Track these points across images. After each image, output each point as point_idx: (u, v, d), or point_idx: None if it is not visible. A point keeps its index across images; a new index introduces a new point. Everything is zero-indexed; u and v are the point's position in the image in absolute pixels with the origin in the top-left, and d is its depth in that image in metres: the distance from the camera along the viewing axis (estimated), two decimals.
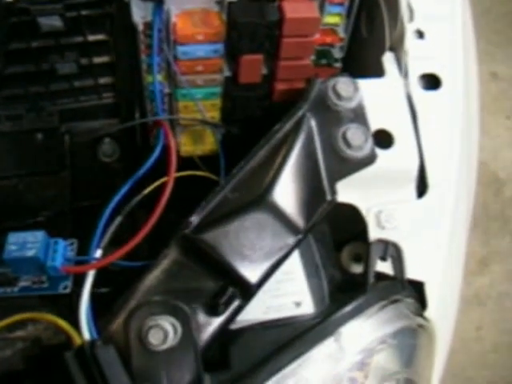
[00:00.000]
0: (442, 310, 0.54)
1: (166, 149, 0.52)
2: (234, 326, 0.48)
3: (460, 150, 0.56)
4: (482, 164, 1.57)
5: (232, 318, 0.46)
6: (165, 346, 0.44)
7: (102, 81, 0.66)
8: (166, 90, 0.58)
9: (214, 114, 0.59)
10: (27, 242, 0.45)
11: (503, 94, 1.59)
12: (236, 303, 0.46)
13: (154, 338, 0.44)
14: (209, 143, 0.61)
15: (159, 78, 0.56)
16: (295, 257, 0.51)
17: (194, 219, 0.46)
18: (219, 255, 0.46)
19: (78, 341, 0.44)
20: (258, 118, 0.58)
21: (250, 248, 0.46)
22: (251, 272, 0.46)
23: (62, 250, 0.46)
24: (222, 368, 0.47)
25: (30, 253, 0.45)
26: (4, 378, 0.57)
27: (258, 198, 0.47)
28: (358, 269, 0.55)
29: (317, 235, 0.53)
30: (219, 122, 0.59)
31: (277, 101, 0.58)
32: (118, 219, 0.49)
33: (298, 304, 0.49)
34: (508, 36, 1.65)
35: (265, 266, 0.46)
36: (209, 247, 0.46)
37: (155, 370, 0.45)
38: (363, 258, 0.54)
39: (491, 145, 1.53)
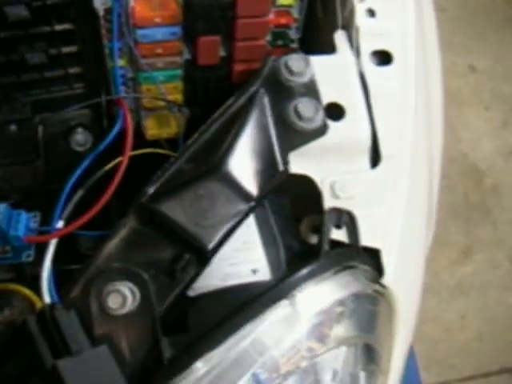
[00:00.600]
0: (400, 278, 0.56)
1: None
2: (192, 293, 0.50)
3: (414, 123, 0.57)
4: (462, 155, 1.60)
5: (189, 283, 0.48)
6: (124, 311, 0.46)
7: (72, 70, 0.68)
8: (129, 75, 0.60)
9: (176, 97, 0.61)
10: None
11: (481, 86, 1.61)
12: (193, 269, 0.48)
13: (113, 303, 0.46)
14: (174, 126, 0.63)
15: (121, 62, 0.58)
16: (252, 227, 0.53)
17: (150, 189, 0.48)
18: (174, 223, 0.48)
19: (39, 306, 0.45)
20: (219, 99, 0.60)
21: (205, 215, 0.48)
22: (206, 238, 0.48)
23: (25, 221, 0.48)
24: (181, 332, 0.48)
25: None
26: None
27: (212, 167, 0.49)
28: (315, 240, 0.56)
29: (275, 207, 0.54)
30: (181, 103, 0.61)
31: (236, 82, 0.61)
32: (80, 192, 0.51)
33: (254, 271, 0.51)
34: (484, 29, 1.68)
35: (219, 231, 0.48)
36: (164, 216, 0.48)
37: (114, 334, 0.46)
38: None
39: (471, 136, 1.55)
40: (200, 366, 0.46)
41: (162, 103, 0.60)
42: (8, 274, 0.54)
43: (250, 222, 0.52)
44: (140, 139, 0.62)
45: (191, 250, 0.48)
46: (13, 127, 0.70)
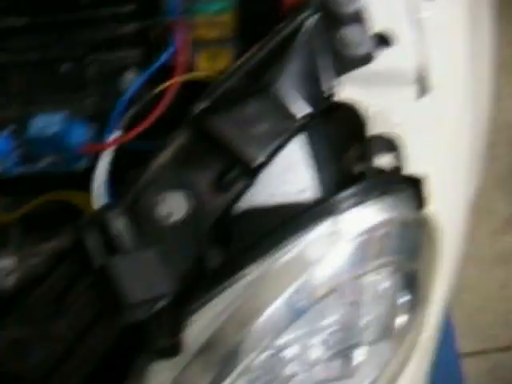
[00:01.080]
0: (442, 209, 0.56)
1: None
2: (239, 210, 0.51)
3: (465, 58, 0.58)
4: (508, 125, 1.57)
5: (238, 196, 0.50)
6: (172, 221, 0.48)
7: (126, 9, 0.68)
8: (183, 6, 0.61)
9: (227, 30, 0.62)
10: (49, 122, 0.49)
11: None
12: (241, 181, 0.49)
13: (162, 212, 0.47)
14: (224, 61, 0.63)
15: None
16: (301, 149, 0.54)
17: (202, 104, 0.49)
18: (224, 138, 0.49)
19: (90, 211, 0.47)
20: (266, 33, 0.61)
21: (253, 132, 0.50)
22: (254, 153, 0.49)
23: (81, 131, 0.49)
24: (223, 245, 0.49)
25: (53, 130, 0.49)
26: (30, 283, 0.62)
27: (262, 87, 0.50)
28: (360, 169, 0.57)
29: (322, 135, 0.55)
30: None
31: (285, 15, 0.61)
32: (132, 110, 0.52)
33: (301, 191, 0.52)
34: None
35: (266, 148, 0.49)
36: (214, 131, 0.49)
37: (162, 243, 0.48)
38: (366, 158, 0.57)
39: None
40: (243, 276, 0.47)
41: (213, 36, 0.61)
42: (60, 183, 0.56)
43: (299, 144, 0.53)
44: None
45: (240, 164, 0.48)
46: (65, 66, 0.71)
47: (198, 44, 0.64)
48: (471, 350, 1.35)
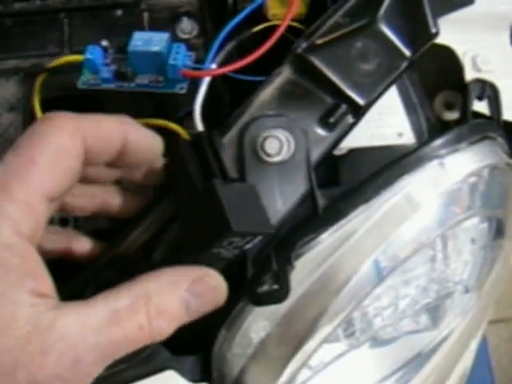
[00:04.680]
0: None
1: None
2: (339, 152, 0.49)
3: None
4: None
5: (343, 135, 0.48)
6: (278, 158, 0.46)
7: None
8: None
9: None
10: (152, 40, 0.46)
11: None
12: (347, 120, 0.47)
13: (269, 148, 0.45)
14: (297, 6, 0.61)
15: None
16: (395, 93, 0.52)
17: (307, 40, 0.47)
18: (332, 75, 0.47)
19: (186, 136, 0.46)
20: None
21: (360, 70, 0.48)
22: (361, 92, 0.47)
23: (184, 54, 0.47)
24: (330, 185, 0.47)
25: (155, 48, 0.47)
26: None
27: (368, 24, 0.48)
28: (450, 116, 0.55)
29: (414, 77, 0.53)
30: None
31: None
32: (232, 43, 0.50)
33: (400, 134, 0.50)
34: None
35: (374, 87, 0.48)
36: (321, 67, 0.47)
37: (268, 181, 0.46)
38: (456, 105, 0.55)
39: None
40: (353, 217, 0.45)
41: None
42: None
43: (392, 88, 0.50)
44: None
45: (347, 102, 0.47)
46: (119, 12, 0.69)
47: None
48: (492, 318, 1.35)
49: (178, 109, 0.51)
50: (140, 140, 0.42)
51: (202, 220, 0.40)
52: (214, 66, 0.48)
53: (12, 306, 0.33)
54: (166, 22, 0.69)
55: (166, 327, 0.37)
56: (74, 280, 0.46)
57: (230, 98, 0.58)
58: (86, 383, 0.34)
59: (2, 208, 0.35)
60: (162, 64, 0.47)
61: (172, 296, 0.38)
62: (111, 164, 0.42)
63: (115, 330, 0.34)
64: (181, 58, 0.46)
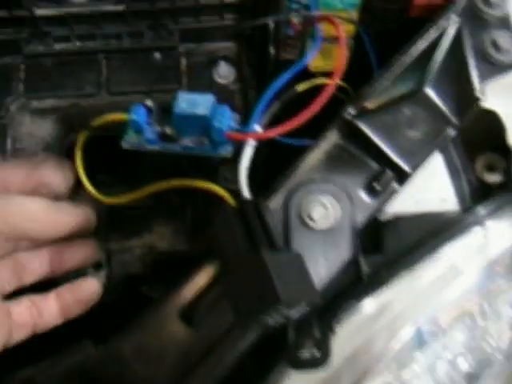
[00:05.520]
0: None
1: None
2: (384, 217, 0.49)
3: None
4: None
5: (386, 201, 0.47)
6: (324, 225, 0.46)
7: (228, 0, 0.66)
8: (304, 1, 0.58)
9: (349, 28, 0.59)
10: (197, 102, 0.46)
11: None
12: (392, 186, 0.47)
13: (316, 215, 0.45)
14: (338, 61, 0.61)
15: None
16: (439, 156, 0.52)
17: (353, 106, 0.47)
18: (378, 141, 0.47)
19: (231, 202, 0.46)
20: (392, 33, 0.59)
21: (406, 136, 0.48)
22: (408, 159, 0.48)
23: (229, 116, 0.47)
24: (374, 252, 0.47)
25: (201, 111, 0.46)
26: (123, 280, 0.61)
27: (414, 91, 0.48)
28: (492, 179, 0.55)
29: (457, 140, 0.53)
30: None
31: (413, 15, 0.59)
32: (277, 104, 0.50)
33: (443, 200, 0.50)
34: None
35: (422, 153, 0.48)
36: (368, 133, 0.47)
37: (313, 247, 0.47)
38: (498, 168, 0.55)
39: None
40: (397, 284, 0.45)
41: (332, 33, 0.58)
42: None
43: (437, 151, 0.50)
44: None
45: (392, 169, 0.47)
46: (157, 55, 0.69)
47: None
48: None
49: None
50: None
51: (249, 289, 0.40)
52: (258, 127, 0.48)
53: None
54: (203, 66, 0.71)
55: None
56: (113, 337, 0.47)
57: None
58: None
59: None
60: (206, 126, 0.46)
61: None
62: None
63: None
64: (225, 120, 0.46)
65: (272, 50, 0.63)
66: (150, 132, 0.49)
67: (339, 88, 0.52)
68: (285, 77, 0.49)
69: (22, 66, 0.69)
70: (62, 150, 0.63)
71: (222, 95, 0.67)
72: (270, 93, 0.48)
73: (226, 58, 0.71)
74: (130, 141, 0.48)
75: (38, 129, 0.64)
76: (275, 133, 0.46)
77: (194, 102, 0.47)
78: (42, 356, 0.48)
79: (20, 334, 0.45)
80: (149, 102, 0.47)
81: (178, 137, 0.48)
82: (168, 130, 0.47)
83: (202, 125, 0.47)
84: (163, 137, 0.47)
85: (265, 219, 0.43)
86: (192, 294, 0.46)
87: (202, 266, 0.47)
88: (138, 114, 0.48)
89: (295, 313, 0.42)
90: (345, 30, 0.58)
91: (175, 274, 0.62)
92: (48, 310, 0.47)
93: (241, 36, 0.70)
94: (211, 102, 0.47)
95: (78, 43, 0.69)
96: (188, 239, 0.63)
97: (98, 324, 0.54)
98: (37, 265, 0.48)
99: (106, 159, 0.53)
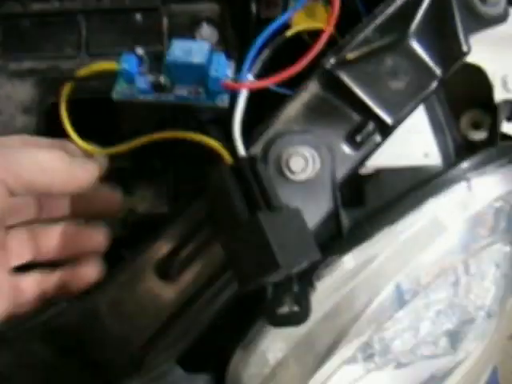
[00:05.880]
0: None
1: None
2: (365, 171, 0.48)
3: None
4: None
5: (369, 154, 0.47)
6: (303, 176, 0.44)
7: None
8: None
9: None
10: (192, 50, 0.44)
11: None
12: (374, 139, 0.46)
13: (295, 166, 0.44)
14: (321, 20, 0.60)
15: None
16: (422, 111, 0.50)
17: (336, 55, 0.46)
18: (361, 92, 0.46)
19: (227, 157, 0.43)
20: None
21: (389, 88, 0.47)
22: (390, 111, 0.46)
23: (225, 65, 0.45)
24: (355, 205, 0.46)
25: (196, 59, 0.44)
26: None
27: (398, 40, 0.47)
28: (476, 136, 0.54)
29: (441, 96, 0.52)
30: None
31: None
32: (267, 51, 0.48)
33: (426, 155, 0.49)
34: None
35: (403, 106, 0.46)
36: (349, 83, 0.46)
37: (292, 199, 0.45)
38: (483, 125, 0.54)
39: None
40: (378, 239, 0.44)
41: None
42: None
43: (424, 104, 0.49)
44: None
45: (375, 120, 0.46)
46: (138, 16, 0.68)
47: None
48: None
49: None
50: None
51: (248, 252, 0.40)
52: (250, 77, 0.46)
53: None
54: (185, 27, 0.68)
55: None
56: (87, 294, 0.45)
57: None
58: None
59: None
60: (202, 75, 0.45)
61: None
62: None
63: None
64: (222, 69, 0.44)
65: (253, 9, 0.60)
66: (143, 81, 0.47)
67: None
68: (273, 25, 0.47)
69: None
70: (41, 114, 0.62)
71: None
72: (260, 40, 0.47)
73: (208, 20, 0.68)
74: (121, 91, 0.47)
75: (16, 91, 0.63)
76: (272, 81, 0.45)
77: (188, 50, 0.45)
78: None
79: (26, 307, 0.43)
80: (139, 50, 0.45)
81: (171, 86, 0.46)
82: (162, 79, 0.44)
83: (197, 74, 0.45)
84: (156, 87, 0.45)
85: (261, 177, 0.42)
86: (167, 248, 0.44)
87: (176, 220, 0.45)
88: (129, 63, 0.46)
89: (295, 271, 0.41)
90: None
91: None
92: (53, 287, 0.46)
93: None
94: (207, 49, 0.44)
95: (56, 3, 0.68)
96: (169, 202, 0.62)
97: None
98: (54, 241, 0.46)
99: (89, 123, 0.51)
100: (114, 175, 0.60)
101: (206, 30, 0.68)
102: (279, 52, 0.51)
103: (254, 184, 0.42)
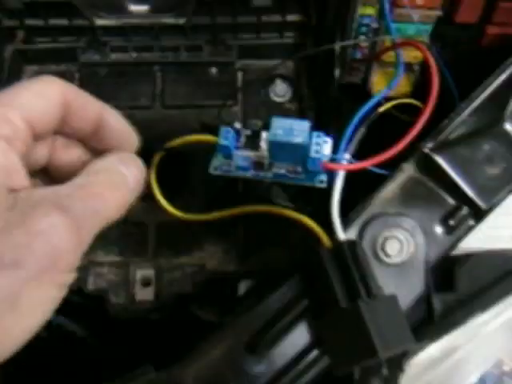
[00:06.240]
0: None
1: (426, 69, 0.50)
2: (455, 253, 0.48)
3: None
4: None
5: (461, 237, 0.47)
6: (398, 259, 0.44)
7: (290, 18, 0.65)
8: (374, 25, 0.57)
9: (415, 55, 0.58)
10: (294, 129, 0.44)
11: None
12: (467, 223, 0.47)
13: (391, 249, 0.44)
14: (403, 85, 0.60)
15: (367, 10, 0.55)
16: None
17: (432, 141, 0.46)
18: (455, 176, 0.46)
19: (325, 240, 0.43)
20: (463, 61, 0.57)
21: (485, 172, 0.47)
22: (485, 196, 0.46)
23: (324, 145, 0.45)
24: (447, 289, 0.46)
25: (297, 139, 0.44)
26: (173, 299, 0.61)
27: (493, 125, 0.47)
28: None
29: None
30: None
31: (484, 46, 0.58)
32: (362, 130, 0.48)
33: None
34: None
35: (498, 191, 0.46)
36: (446, 167, 0.46)
37: (385, 282, 0.46)
38: None
39: None
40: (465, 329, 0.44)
41: (393, 59, 0.58)
42: (285, 201, 0.52)
43: None
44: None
45: (468, 205, 0.46)
46: (213, 70, 0.68)
47: (378, 63, 0.59)
48: None
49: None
50: (116, 125, 0.41)
51: (346, 338, 0.41)
52: (348, 157, 0.46)
53: None
54: (259, 83, 0.70)
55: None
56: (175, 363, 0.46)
57: None
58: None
59: None
60: (301, 154, 0.44)
61: None
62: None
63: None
64: (322, 150, 0.44)
65: (337, 73, 0.60)
66: (241, 159, 0.46)
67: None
68: (370, 103, 0.48)
69: (76, 74, 0.69)
70: None
71: (277, 114, 0.66)
72: (356, 119, 0.47)
73: (283, 77, 0.68)
74: (218, 167, 0.46)
75: None
76: (371, 163, 0.45)
77: (289, 129, 0.44)
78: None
79: None
80: (237, 125, 0.45)
81: (269, 165, 0.46)
82: (262, 159, 0.45)
83: (296, 153, 0.45)
84: (257, 165, 0.45)
85: (361, 262, 0.42)
86: (258, 324, 0.45)
87: (267, 294, 0.46)
88: (227, 139, 0.45)
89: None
90: (413, 57, 0.56)
91: (224, 294, 0.62)
92: None
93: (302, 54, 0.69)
94: (307, 128, 0.44)
95: (134, 54, 0.69)
96: (238, 259, 0.63)
97: (153, 347, 0.52)
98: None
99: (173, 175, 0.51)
100: (183, 230, 0.61)
101: (280, 87, 0.68)
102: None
103: (354, 269, 0.42)
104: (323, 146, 0.44)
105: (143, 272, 0.63)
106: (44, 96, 0.37)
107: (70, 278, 0.33)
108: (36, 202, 0.33)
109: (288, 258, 0.59)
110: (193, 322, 0.63)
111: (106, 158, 0.39)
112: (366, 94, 0.62)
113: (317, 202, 0.59)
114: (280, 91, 0.69)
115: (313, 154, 0.43)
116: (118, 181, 0.38)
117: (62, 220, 0.32)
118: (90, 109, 0.40)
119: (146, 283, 0.63)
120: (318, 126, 0.48)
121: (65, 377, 0.60)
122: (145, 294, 0.62)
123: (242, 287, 0.63)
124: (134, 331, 0.61)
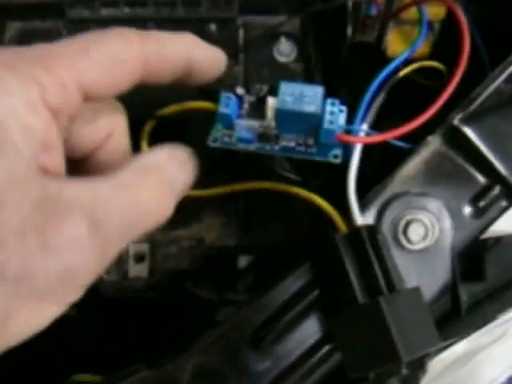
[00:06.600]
0: None
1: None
2: (485, 237, 0.42)
3: None
4: None
5: (492, 221, 0.43)
6: (421, 246, 0.39)
7: None
8: None
9: (438, 12, 0.52)
10: (305, 96, 0.38)
11: None
12: (500, 204, 0.43)
13: (414, 235, 0.39)
14: (421, 46, 0.54)
15: None
16: None
17: (461, 113, 0.43)
18: (487, 151, 0.41)
19: (339, 223, 0.38)
20: (489, 19, 0.51)
21: None
22: None
23: (339, 114, 0.39)
24: (474, 278, 0.41)
25: (310, 108, 0.38)
26: (169, 274, 0.56)
27: None
28: None
29: None
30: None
31: None
32: (381, 96, 0.42)
33: None
34: None
35: None
36: (476, 141, 0.41)
37: (406, 271, 0.41)
38: None
39: None
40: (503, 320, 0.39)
41: (412, 16, 0.52)
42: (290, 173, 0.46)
43: None
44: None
45: (501, 184, 0.42)
46: (212, 26, 0.64)
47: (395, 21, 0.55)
48: None
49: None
50: (205, 61, 0.37)
51: (364, 338, 0.36)
52: (365, 126, 0.40)
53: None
54: (262, 41, 0.64)
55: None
56: (170, 360, 0.41)
57: None
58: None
59: (36, 74, 0.28)
60: (314, 125, 0.38)
61: None
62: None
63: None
64: (337, 120, 0.38)
65: (350, 31, 0.54)
66: (244, 129, 0.40)
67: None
68: (391, 65, 0.42)
69: (63, 31, 0.63)
70: None
71: (282, 76, 0.61)
72: (375, 84, 0.42)
73: (288, 34, 0.63)
74: (218, 137, 0.40)
75: None
76: (393, 135, 0.40)
77: (300, 96, 0.38)
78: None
79: None
80: (239, 90, 0.39)
81: (276, 136, 0.40)
82: (268, 129, 0.38)
83: (307, 123, 0.39)
84: (262, 137, 0.39)
85: (382, 252, 0.37)
86: (263, 317, 0.41)
87: (271, 286, 0.42)
88: (229, 107, 0.39)
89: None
90: (434, 14, 0.52)
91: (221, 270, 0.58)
92: None
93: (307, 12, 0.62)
94: (320, 95, 0.38)
95: (126, 10, 0.63)
96: (239, 233, 0.58)
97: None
98: None
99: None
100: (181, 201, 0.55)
101: (285, 46, 0.63)
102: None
103: (374, 260, 0.38)
104: (338, 116, 0.37)
105: (136, 247, 0.58)
106: (118, 61, 0.31)
107: (77, 297, 0.28)
108: (65, 208, 0.27)
109: (292, 233, 0.54)
110: (190, 300, 0.59)
111: (157, 152, 0.32)
112: (380, 55, 0.55)
113: (324, 174, 0.54)
114: (285, 50, 0.64)
115: (327, 125, 0.37)
116: (167, 187, 0.32)
117: (89, 237, 0.27)
118: (177, 62, 0.35)
119: (139, 259, 0.58)
120: (327, 90, 0.42)
121: (52, 361, 0.56)
122: (138, 271, 0.58)
123: (242, 262, 0.61)
124: (127, 312, 0.57)
